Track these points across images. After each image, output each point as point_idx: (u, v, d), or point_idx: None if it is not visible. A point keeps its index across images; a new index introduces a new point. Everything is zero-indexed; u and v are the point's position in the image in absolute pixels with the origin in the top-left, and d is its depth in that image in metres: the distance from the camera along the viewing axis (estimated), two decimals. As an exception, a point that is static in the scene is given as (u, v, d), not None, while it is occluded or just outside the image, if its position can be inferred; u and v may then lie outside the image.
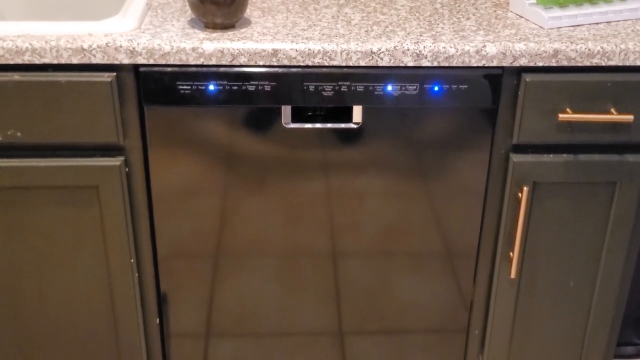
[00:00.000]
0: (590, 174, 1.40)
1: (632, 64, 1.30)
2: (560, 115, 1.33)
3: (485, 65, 1.29)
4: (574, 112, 1.34)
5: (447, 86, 1.31)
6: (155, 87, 1.28)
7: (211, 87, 1.29)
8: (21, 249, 1.40)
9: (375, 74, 1.29)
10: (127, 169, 1.35)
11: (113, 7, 1.58)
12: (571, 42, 1.30)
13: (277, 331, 1.55)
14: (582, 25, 1.39)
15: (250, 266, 1.47)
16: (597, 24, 1.40)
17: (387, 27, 1.36)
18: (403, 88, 1.31)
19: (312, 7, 1.45)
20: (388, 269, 1.49)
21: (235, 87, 1.29)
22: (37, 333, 1.49)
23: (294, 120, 1.34)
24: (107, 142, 1.32)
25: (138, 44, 1.24)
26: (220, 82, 1.28)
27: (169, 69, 1.27)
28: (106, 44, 1.24)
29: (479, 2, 1.51)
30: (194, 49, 1.25)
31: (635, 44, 1.30)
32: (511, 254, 1.46)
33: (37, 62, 1.24)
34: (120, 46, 1.24)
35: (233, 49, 1.26)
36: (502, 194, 1.43)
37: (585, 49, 1.29)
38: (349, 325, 1.55)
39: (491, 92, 1.32)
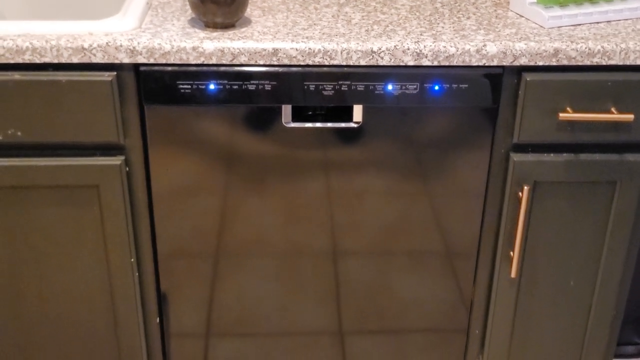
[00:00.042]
0: (590, 174, 1.40)
1: (633, 63, 1.30)
2: (561, 115, 1.33)
3: (486, 64, 1.29)
4: (575, 111, 1.34)
5: (448, 85, 1.31)
6: (156, 87, 1.28)
7: (211, 87, 1.29)
8: (21, 249, 1.40)
9: (376, 73, 1.29)
10: (127, 169, 1.35)
11: (113, 6, 1.58)
12: (571, 42, 1.30)
13: (277, 331, 1.55)
14: (583, 24, 1.39)
15: (250, 265, 1.47)
16: (598, 23, 1.40)
17: (388, 26, 1.36)
18: (403, 87, 1.31)
19: (312, 7, 1.45)
20: (388, 268, 1.49)
21: (235, 87, 1.29)
22: (37, 332, 1.49)
23: (294, 119, 1.34)
24: (107, 142, 1.32)
25: (138, 43, 1.24)
26: (221, 82, 1.28)
27: (170, 68, 1.27)
28: (106, 43, 1.24)
29: (479, 1, 1.51)
30: (194, 48, 1.25)
31: (636, 43, 1.30)
32: (511, 253, 1.46)
33: (37, 61, 1.24)
34: (121, 45, 1.24)
35: (233, 48, 1.26)
36: (503, 193, 1.43)
37: (586, 48, 1.29)
38: (349, 325, 1.55)
39: (491, 91, 1.32)
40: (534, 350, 1.59)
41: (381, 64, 1.28)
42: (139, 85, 1.29)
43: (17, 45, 1.23)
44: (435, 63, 1.29)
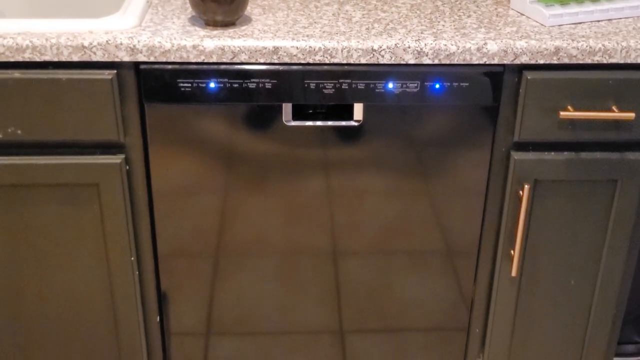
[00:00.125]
0: (591, 172, 1.40)
1: (634, 61, 1.30)
2: (562, 113, 1.32)
3: (487, 62, 1.29)
4: (575, 109, 1.34)
5: (448, 84, 1.31)
6: (156, 85, 1.28)
7: (212, 85, 1.28)
8: (21, 247, 1.40)
9: (376, 72, 1.29)
10: (127, 167, 1.35)
11: (113, 4, 1.58)
12: (572, 40, 1.30)
13: (278, 330, 1.54)
14: (584, 22, 1.39)
15: (250, 265, 1.47)
16: (599, 21, 1.40)
17: (388, 24, 1.36)
18: (404, 86, 1.31)
19: (312, 5, 1.45)
20: (389, 267, 1.49)
21: (236, 85, 1.29)
22: (37, 331, 1.49)
23: (294, 118, 1.34)
24: (107, 140, 1.32)
25: (138, 41, 1.24)
26: (221, 80, 1.28)
27: (170, 67, 1.27)
28: (107, 41, 1.24)
29: (480, -1, 1.52)
30: (194, 47, 1.25)
31: (637, 42, 1.30)
32: (512, 252, 1.45)
33: (37, 59, 1.24)
34: (121, 44, 1.24)
35: (234, 46, 1.25)
36: (503, 192, 1.43)
37: (587, 46, 1.29)
38: (350, 324, 1.55)
39: (492, 89, 1.32)
40: (534, 349, 1.59)
41: (382, 62, 1.28)
42: (139, 84, 1.29)
43: (17, 44, 1.22)
44: (436, 61, 1.28)
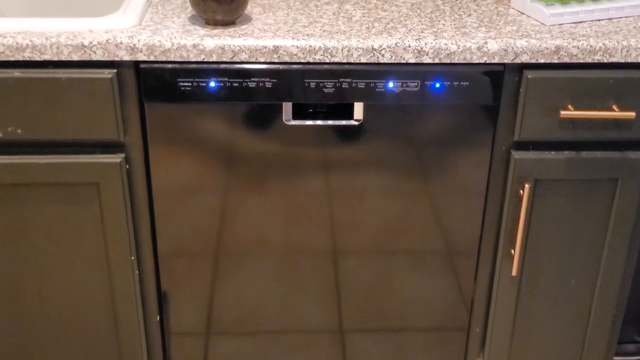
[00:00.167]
0: (591, 171, 1.40)
1: (634, 60, 1.30)
2: (562, 112, 1.32)
3: (487, 62, 1.29)
4: (576, 109, 1.33)
5: (449, 83, 1.31)
6: (156, 84, 1.28)
7: (212, 84, 1.28)
8: (21, 246, 1.40)
9: (377, 71, 1.29)
10: (127, 166, 1.35)
11: (113, 4, 1.57)
12: (573, 39, 1.30)
13: (278, 329, 1.54)
14: (584, 22, 1.39)
15: (250, 264, 1.47)
16: (599, 20, 1.40)
17: (388, 23, 1.36)
18: (404, 85, 1.31)
19: (313, 4, 1.45)
20: (389, 267, 1.49)
21: (236, 84, 1.29)
22: (37, 330, 1.49)
23: (294, 117, 1.34)
24: (107, 139, 1.32)
25: (138, 40, 1.24)
26: (221, 79, 1.28)
27: (170, 66, 1.27)
28: (107, 40, 1.24)
29: (480, -1, 1.52)
30: (194, 46, 1.25)
31: (637, 41, 1.30)
32: (512, 251, 1.45)
33: (37, 58, 1.24)
34: (121, 43, 1.24)
35: (234, 45, 1.25)
36: (504, 191, 1.42)
37: (587, 45, 1.29)
38: (350, 324, 1.55)
39: (492, 88, 1.32)
40: (534, 348, 1.59)
41: (382, 61, 1.28)
42: (139, 83, 1.29)
43: (17, 43, 1.22)
44: (437, 60, 1.28)
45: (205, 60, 1.26)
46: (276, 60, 1.27)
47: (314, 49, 1.26)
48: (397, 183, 1.40)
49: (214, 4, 1.27)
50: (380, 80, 1.30)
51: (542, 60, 1.29)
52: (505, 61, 1.29)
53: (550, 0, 1.39)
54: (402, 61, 1.28)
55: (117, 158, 1.33)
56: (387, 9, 1.44)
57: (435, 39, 1.28)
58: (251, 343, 1.55)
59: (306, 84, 1.29)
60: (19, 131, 1.29)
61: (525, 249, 1.47)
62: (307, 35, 1.28)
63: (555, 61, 1.30)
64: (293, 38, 1.27)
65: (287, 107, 1.33)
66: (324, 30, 1.31)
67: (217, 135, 1.34)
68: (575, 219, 1.45)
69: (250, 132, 1.34)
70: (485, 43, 1.28)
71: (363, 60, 1.27)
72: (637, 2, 1.41)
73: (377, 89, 1.30)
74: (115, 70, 1.27)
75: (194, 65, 1.27)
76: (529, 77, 1.31)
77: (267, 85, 1.29)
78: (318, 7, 1.43)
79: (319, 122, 1.34)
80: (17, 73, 1.25)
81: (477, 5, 1.47)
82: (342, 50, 1.26)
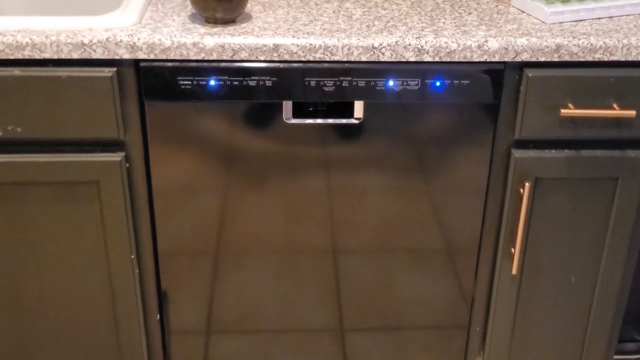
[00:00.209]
0: (592, 170, 1.39)
1: (635, 59, 1.30)
2: (562, 111, 1.32)
3: (487, 60, 1.29)
4: (576, 107, 1.33)
5: (449, 81, 1.31)
6: (156, 82, 1.28)
7: (212, 83, 1.28)
8: (21, 245, 1.40)
9: (377, 69, 1.29)
10: (127, 165, 1.35)
11: (113, 2, 1.57)
12: (573, 37, 1.30)
13: (278, 328, 1.54)
14: (584, 20, 1.39)
15: (250, 263, 1.47)
16: (600, 18, 1.39)
17: (389, 22, 1.35)
18: (405, 83, 1.30)
19: (313, 2, 1.45)
20: (389, 265, 1.49)
21: (236, 83, 1.29)
22: (37, 329, 1.49)
23: (295, 115, 1.34)
24: (107, 138, 1.31)
25: (138, 38, 1.24)
26: (221, 78, 1.28)
27: (170, 64, 1.27)
28: (106, 38, 1.23)
29: (481, -3, 1.51)
30: (194, 44, 1.25)
31: (638, 39, 1.29)
32: (512, 250, 1.45)
33: (37, 57, 1.24)
34: (121, 41, 1.24)
35: (234, 44, 1.25)
36: (504, 190, 1.42)
37: (588, 44, 1.29)
38: (350, 323, 1.55)
39: (493, 87, 1.32)
40: (535, 347, 1.59)
41: (382, 59, 1.28)
42: (139, 81, 1.29)
43: (17, 41, 1.22)
44: (437, 59, 1.28)
45: (206, 58, 1.26)
46: (276, 59, 1.27)
47: (314, 47, 1.26)
48: (397, 182, 1.40)
49: (214, 2, 1.26)
50: (381, 78, 1.29)
51: (542, 59, 1.29)
52: (506, 59, 1.29)
53: (550, -1, 1.39)
54: (403, 59, 1.28)
55: (117, 157, 1.33)
56: (388, 7, 1.43)
57: (436, 38, 1.28)
58: (251, 342, 1.55)
59: (306, 83, 1.29)
60: (19, 130, 1.29)
61: (525, 247, 1.47)
62: (308, 33, 1.28)
63: (556, 59, 1.30)
64: (293, 36, 1.26)
65: (287, 106, 1.32)
66: (324, 29, 1.30)
67: (217, 133, 1.34)
68: (576, 217, 1.45)
69: (250, 131, 1.34)
70: (486, 41, 1.28)
71: (363, 58, 1.27)
72: (638, 1, 1.41)
73: (377, 88, 1.30)
74: (115, 69, 1.26)
75: (194, 64, 1.27)
76: (530, 75, 1.31)
77: (267, 84, 1.29)
78: (318, 6, 1.43)
79: (319, 121, 1.34)
80: (16, 71, 1.25)
81: (478, 4, 1.47)
82: (342, 48, 1.26)
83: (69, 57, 1.24)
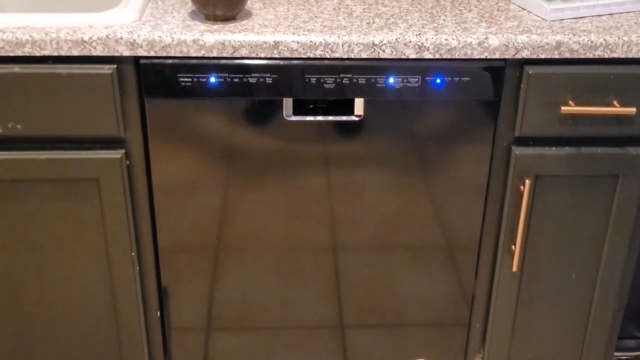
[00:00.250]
0: (592, 167, 1.39)
1: (635, 56, 1.30)
2: (563, 108, 1.32)
3: (488, 57, 1.29)
4: (577, 104, 1.33)
5: (449, 78, 1.30)
6: (156, 80, 1.28)
7: (212, 80, 1.28)
8: (21, 243, 1.40)
9: (377, 67, 1.29)
10: (127, 162, 1.35)
11: (113, -1, 1.57)
12: (574, 34, 1.29)
13: (278, 325, 1.54)
14: (585, 17, 1.38)
15: (251, 260, 1.47)
16: (600, 16, 1.39)
17: (389, 19, 1.35)
18: (405, 80, 1.30)
19: (313, -1, 1.45)
20: (389, 262, 1.49)
21: (236, 80, 1.28)
22: (37, 326, 1.49)
23: (295, 112, 1.34)
24: (107, 135, 1.31)
25: (138, 35, 1.24)
26: (221, 75, 1.28)
27: (170, 61, 1.27)
28: (106, 35, 1.23)
29: (481, -6, 1.51)
30: (194, 41, 1.25)
31: (638, 36, 1.29)
32: (513, 247, 1.45)
33: (37, 54, 1.23)
34: (121, 38, 1.23)
35: (234, 41, 1.25)
36: (504, 187, 1.42)
37: (588, 41, 1.29)
38: (350, 319, 1.55)
39: (493, 84, 1.32)
40: (535, 344, 1.59)
41: (383, 57, 1.28)
42: (139, 78, 1.29)
43: (16, 38, 1.22)
44: (437, 56, 1.28)
45: (206, 55, 1.26)
46: (277, 56, 1.27)
47: (315, 44, 1.26)
48: (397, 179, 1.40)
49: (214, -1, 1.26)
50: (381, 75, 1.29)
51: (543, 56, 1.29)
52: (506, 57, 1.29)
53: (551, -4, 1.39)
54: (403, 57, 1.28)
55: (117, 154, 1.33)
56: (388, 4, 1.43)
57: (436, 35, 1.28)
58: (251, 338, 1.56)
59: (307, 80, 1.29)
60: (19, 127, 1.29)
61: (525, 244, 1.47)
62: (308, 30, 1.28)
63: (556, 57, 1.29)
64: (293, 33, 1.26)
65: (287, 103, 1.32)
66: (324, 26, 1.30)
67: (218, 131, 1.34)
68: (576, 214, 1.45)
69: (250, 128, 1.34)
70: (486, 38, 1.28)
71: (364, 55, 1.27)
72: (639, -2, 1.41)
73: (377, 85, 1.30)
74: (115, 66, 1.26)
75: (194, 61, 1.27)
76: (530, 72, 1.31)
77: (267, 81, 1.29)
78: (318, 3, 1.43)
79: (319, 118, 1.34)
80: (16, 69, 1.25)
81: (478, 1, 1.47)
82: (342, 45, 1.26)
83: (68, 54, 1.24)
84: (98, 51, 1.24)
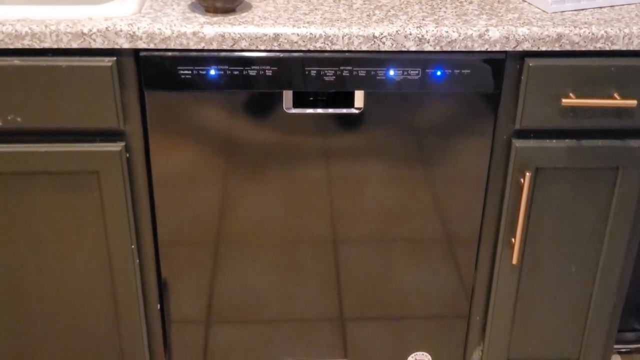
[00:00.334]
0: (593, 160, 1.39)
1: (636, 48, 1.30)
2: (564, 100, 1.32)
3: (488, 49, 1.29)
4: (577, 97, 1.33)
5: (450, 71, 1.30)
6: (156, 72, 1.27)
7: (212, 72, 1.28)
8: (21, 235, 1.40)
9: (377, 59, 1.29)
10: (127, 155, 1.35)
11: (113, -9, 1.57)
12: (575, 27, 1.29)
13: (278, 318, 1.55)
14: (586, 9, 1.38)
15: (251, 252, 1.47)
16: (601, 8, 1.39)
17: (389, 11, 1.35)
18: (405, 73, 1.30)
19: (313, -8, 1.44)
20: (389, 255, 1.49)
21: (236, 72, 1.28)
22: (37, 319, 1.49)
23: (295, 105, 1.33)
24: (107, 127, 1.31)
25: (138, 28, 1.23)
26: (221, 67, 1.28)
27: (170, 54, 1.26)
28: (106, 28, 1.23)
29: (482, -14, 1.51)
30: (194, 34, 1.24)
31: None
32: (513, 239, 1.45)
33: (36, 46, 1.23)
34: (121, 30, 1.23)
35: (234, 33, 1.25)
36: (504, 180, 1.42)
37: (589, 33, 1.28)
38: (350, 312, 1.55)
39: (494, 76, 1.31)
40: (535, 336, 1.59)
41: (383, 49, 1.27)
42: (139, 71, 1.29)
43: (16, 30, 1.22)
44: (437, 48, 1.28)
45: (206, 48, 1.25)
46: (276, 48, 1.26)
47: (315, 36, 1.26)
48: (397, 171, 1.40)
49: (214, -9, 1.26)
50: (381, 68, 1.29)
51: (543, 48, 1.29)
52: (507, 49, 1.29)
53: (552, -12, 1.39)
54: (403, 49, 1.28)
55: (117, 146, 1.33)
56: (388, -3, 1.43)
57: (437, 27, 1.28)
58: (251, 331, 1.56)
59: (307, 72, 1.29)
60: (19, 119, 1.29)
61: (525, 237, 1.47)
62: (308, 22, 1.28)
63: (557, 49, 1.29)
64: (293, 26, 1.26)
65: (287, 95, 1.32)
66: (324, 18, 1.30)
67: (218, 123, 1.34)
68: (576, 207, 1.45)
69: (250, 121, 1.34)
70: (487, 31, 1.27)
71: (364, 48, 1.27)
72: (639, -10, 1.41)
73: (377, 77, 1.30)
74: (115, 58, 1.26)
75: (194, 53, 1.26)
76: (531, 65, 1.30)
77: (267, 73, 1.28)
78: (318, -5, 1.43)
79: (319, 111, 1.34)
80: (16, 61, 1.25)
81: (479, -7, 1.47)
82: (342, 38, 1.26)
83: (68, 46, 1.24)
84: (98, 43, 1.24)
